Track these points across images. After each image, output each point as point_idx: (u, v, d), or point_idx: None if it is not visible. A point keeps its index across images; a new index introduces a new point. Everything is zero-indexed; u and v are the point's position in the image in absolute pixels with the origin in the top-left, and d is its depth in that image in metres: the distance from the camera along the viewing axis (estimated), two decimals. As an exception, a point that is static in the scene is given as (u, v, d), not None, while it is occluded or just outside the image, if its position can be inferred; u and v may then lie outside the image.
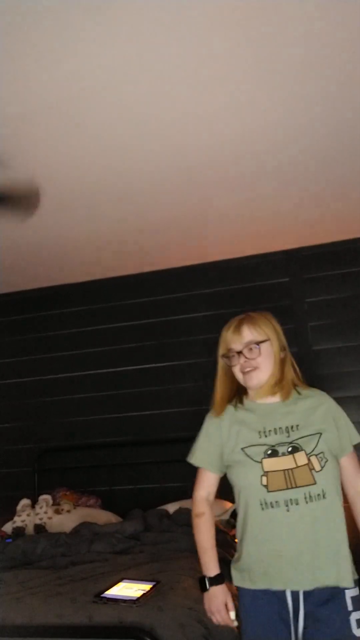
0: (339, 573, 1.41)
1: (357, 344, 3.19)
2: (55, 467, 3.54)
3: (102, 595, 1.77)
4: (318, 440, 1.49)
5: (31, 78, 1.68)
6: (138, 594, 1.77)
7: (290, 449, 1.48)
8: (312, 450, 1.47)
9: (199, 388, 3.30)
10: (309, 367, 3.18)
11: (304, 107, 1.93)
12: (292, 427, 1.52)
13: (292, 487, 1.43)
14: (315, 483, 1.43)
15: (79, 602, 1.75)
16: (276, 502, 1.43)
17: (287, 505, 1.42)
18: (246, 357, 1.55)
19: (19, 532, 2.92)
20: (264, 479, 1.45)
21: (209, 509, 1.60)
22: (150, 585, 1.83)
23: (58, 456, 3.56)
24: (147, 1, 1.40)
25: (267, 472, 1.46)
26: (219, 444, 1.58)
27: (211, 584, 1.52)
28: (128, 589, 1.82)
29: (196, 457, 1.62)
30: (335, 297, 3.28)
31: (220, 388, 1.64)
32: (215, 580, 1.52)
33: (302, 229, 3.10)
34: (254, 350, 1.55)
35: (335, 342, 3.22)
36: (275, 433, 1.51)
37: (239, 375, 1.58)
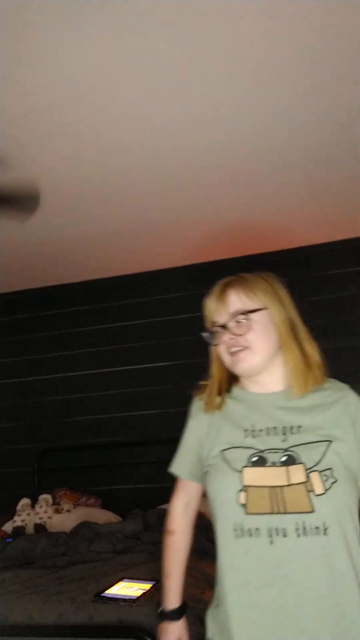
0: None
1: (357, 344, 3.19)
2: (55, 467, 3.54)
3: (102, 594, 1.77)
4: (325, 451, 1.06)
5: (31, 79, 1.68)
6: (138, 593, 1.77)
7: (284, 459, 1.07)
8: (315, 465, 1.05)
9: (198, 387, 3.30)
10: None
11: (304, 108, 1.93)
12: (291, 427, 1.11)
13: (278, 512, 1.03)
14: (312, 511, 1.02)
15: (79, 602, 1.75)
16: (256, 529, 1.04)
17: (270, 536, 1.02)
18: (233, 333, 1.14)
19: (19, 531, 2.92)
20: (242, 495, 1.06)
21: (185, 526, 1.27)
22: (150, 585, 1.83)
23: (58, 456, 3.56)
24: (147, 2, 1.40)
25: (248, 486, 1.06)
26: (198, 443, 1.23)
27: (164, 618, 1.23)
28: (128, 589, 1.82)
29: (175, 462, 1.30)
30: (335, 297, 3.28)
31: (216, 374, 1.24)
32: (171, 615, 1.23)
33: (302, 229, 3.11)
34: (242, 322, 1.14)
35: (335, 342, 3.22)
36: (267, 434, 1.11)
37: (226, 358, 1.17)
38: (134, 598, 1.73)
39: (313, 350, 1.20)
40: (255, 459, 1.09)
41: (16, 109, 1.82)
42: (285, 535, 1.02)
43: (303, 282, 3.35)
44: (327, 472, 1.04)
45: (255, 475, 1.07)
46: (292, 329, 1.19)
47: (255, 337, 1.14)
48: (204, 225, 2.96)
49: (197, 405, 1.26)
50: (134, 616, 1.63)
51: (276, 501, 1.04)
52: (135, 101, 1.83)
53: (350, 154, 2.27)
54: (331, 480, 1.04)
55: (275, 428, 1.12)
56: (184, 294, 3.53)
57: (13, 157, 2.09)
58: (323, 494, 1.03)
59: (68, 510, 3.05)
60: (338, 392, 1.18)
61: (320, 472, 1.04)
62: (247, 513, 1.05)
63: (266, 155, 2.24)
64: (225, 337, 1.16)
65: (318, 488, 1.03)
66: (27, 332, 3.85)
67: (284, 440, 1.10)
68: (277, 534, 1.03)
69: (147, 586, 1.83)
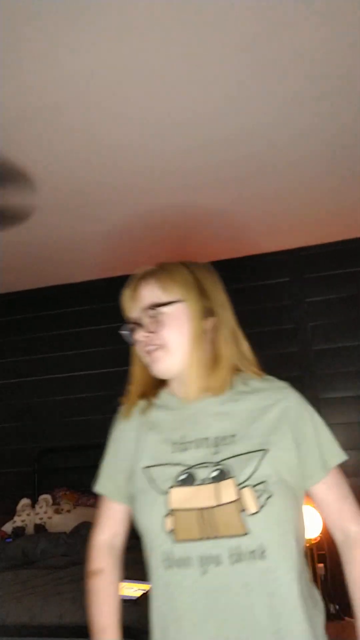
0: None
1: (357, 344, 3.18)
2: (55, 467, 3.54)
3: (102, 595, 1.77)
4: (259, 462, 0.93)
5: (28, 79, 1.68)
6: (138, 593, 1.77)
7: (214, 474, 0.93)
8: (247, 479, 0.91)
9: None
10: (309, 367, 3.18)
11: (304, 108, 1.93)
12: (224, 437, 0.97)
13: (210, 538, 0.89)
14: (246, 533, 0.89)
15: (79, 602, 1.75)
16: (187, 558, 0.90)
17: (202, 566, 0.89)
18: (147, 330, 1.02)
19: (19, 531, 2.92)
20: (169, 520, 0.92)
21: (114, 563, 1.07)
22: (150, 585, 1.83)
23: (58, 456, 3.56)
24: (146, 2, 1.40)
25: (175, 510, 0.92)
26: (126, 459, 1.05)
27: None
28: (128, 589, 1.82)
29: (99, 480, 1.10)
30: (335, 297, 3.28)
31: (136, 376, 1.10)
32: None
33: (302, 228, 3.10)
34: (154, 318, 1.01)
35: (335, 342, 3.22)
36: (198, 446, 0.97)
37: (143, 357, 1.04)
38: (134, 598, 1.73)
39: (227, 349, 1.04)
40: (183, 477, 0.94)
41: (15, 110, 1.82)
42: (218, 564, 0.89)
43: (303, 282, 3.35)
44: (261, 487, 0.91)
45: (183, 496, 0.92)
46: (214, 324, 1.04)
47: (169, 334, 1.00)
48: (204, 225, 2.96)
49: (121, 417, 1.13)
50: (134, 616, 1.63)
51: (205, 525, 0.90)
52: (134, 101, 1.82)
53: (350, 154, 2.27)
54: (265, 495, 0.90)
55: (206, 439, 0.97)
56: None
57: (14, 157, 2.09)
58: (257, 512, 0.89)
59: (68, 511, 3.05)
60: (276, 393, 1.02)
61: (254, 486, 0.91)
62: (176, 541, 0.91)
63: (266, 155, 2.24)
64: (140, 334, 1.02)
65: (251, 506, 0.90)
66: (27, 332, 3.85)
67: (215, 453, 0.95)
68: (210, 563, 0.89)
69: (147, 586, 1.82)
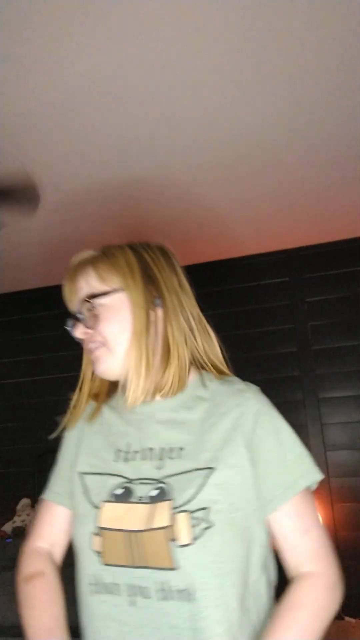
0: None
1: (357, 344, 3.19)
2: (55, 467, 3.54)
3: (102, 595, 1.77)
4: (202, 484, 0.76)
5: (30, 78, 1.67)
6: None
7: (154, 493, 0.78)
8: (186, 503, 0.75)
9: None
10: (309, 367, 3.18)
11: (304, 108, 1.93)
12: (171, 449, 0.81)
13: (138, 566, 0.75)
14: (173, 568, 0.73)
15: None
16: (115, 584, 0.77)
17: (130, 596, 0.76)
18: (85, 326, 0.89)
19: (18, 532, 2.92)
20: (97, 540, 0.79)
21: (53, 568, 0.91)
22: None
23: (58, 456, 3.56)
24: (146, 0, 1.40)
25: (104, 529, 0.78)
26: (69, 461, 0.97)
27: None
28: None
29: (49, 486, 1.02)
30: (335, 297, 3.28)
31: (87, 374, 1.00)
32: None
33: (302, 228, 3.10)
34: (91, 311, 0.87)
35: (335, 342, 3.22)
36: (143, 457, 0.83)
37: (89, 356, 0.95)
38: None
39: (179, 344, 0.86)
40: (119, 491, 0.80)
41: (16, 109, 1.82)
42: (146, 597, 0.74)
43: (302, 282, 3.35)
44: (200, 514, 0.74)
45: (113, 514, 0.78)
46: (164, 314, 0.87)
47: (108, 329, 0.86)
48: (204, 225, 2.96)
49: (69, 415, 1.01)
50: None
51: (131, 550, 0.75)
52: (135, 100, 1.82)
53: (350, 153, 2.27)
54: (203, 525, 0.74)
55: (152, 450, 0.83)
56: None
57: (14, 156, 2.09)
58: (189, 544, 0.73)
59: (68, 511, 3.05)
60: (233, 398, 0.84)
61: (192, 512, 0.74)
62: (105, 564, 0.77)
63: (266, 154, 2.24)
64: (79, 331, 0.90)
65: (182, 536, 0.73)
66: (27, 332, 3.85)
67: (159, 468, 0.80)
68: (137, 594, 0.75)
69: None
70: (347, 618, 2.65)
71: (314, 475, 0.83)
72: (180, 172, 2.34)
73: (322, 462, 2.94)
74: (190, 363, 0.89)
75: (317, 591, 0.77)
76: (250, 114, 1.95)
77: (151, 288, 0.87)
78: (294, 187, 2.55)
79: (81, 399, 0.97)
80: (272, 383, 3.19)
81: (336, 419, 3.07)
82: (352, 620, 2.63)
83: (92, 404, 0.97)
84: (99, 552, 0.78)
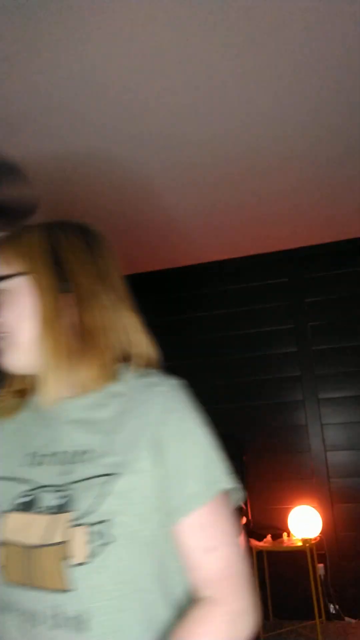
0: None
1: (357, 344, 3.18)
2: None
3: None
4: (103, 492, 0.67)
5: (30, 77, 1.68)
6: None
7: (60, 502, 0.69)
8: (84, 515, 0.66)
9: (197, 387, 3.30)
10: (309, 367, 3.18)
11: (304, 107, 1.93)
12: (83, 453, 0.72)
13: (32, 587, 0.66)
14: (66, 590, 0.64)
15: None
16: (14, 604, 0.68)
17: (22, 621, 0.66)
18: None
19: (18, 532, 2.92)
20: (2, 552, 0.70)
21: None
22: None
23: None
24: (147, 2, 1.40)
25: (5, 542, 0.69)
26: None
27: None
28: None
29: None
30: (335, 297, 3.28)
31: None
32: None
33: (302, 229, 3.10)
34: None
35: (335, 342, 3.22)
36: (52, 462, 0.74)
37: None
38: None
39: (98, 333, 0.76)
40: (24, 499, 0.71)
41: (16, 108, 1.82)
42: (36, 624, 0.64)
43: (303, 282, 3.36)
44: (100, 527, 0.64)
45: (15, 525, 0.69)
46: (80, 303, 0.76)
47: (11, 317, 0.76)
48: (204, 225, 2.96)
49: None
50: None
51: (30, 569, 0.66)
52: (136, 98, 1.82)
53: (350, 153, 2.27)
54: (101, 540, 0.64)
55: (64, 453, 0.74)
56: (184, 294, 3.54)
57: (12, 156, 2.09)
58: (84, 563, 0.63)
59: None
60: (141, 393, 0.75)
61: (91, 525, 0.65)
62: (6, 580, 0.68)
63: (265, 154, 2.24)
64: None
65: (76, 553, 0.64)
66: None
67: (67, 473, 0.71)
68: (27, 621, 0.65)
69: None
70: (347, 618, 2.65)
71: (221, 485, 0.71)
72: (179, 172, 2.34)
73: (322, 462, 2.93)
74: (112, 354, 0.78)
75: (213, 622, 0.66)
76: (250, 113, 1.95)
77: (59, 270, 0.76)
78: (294, 187, 2.55)
79: (7, 395, 0.85)
80: (272, 383, 3.19)
81: (336, 419, 3.07)
82: (352, 620, 2.63)
83: (17, 400, 0.86)
84: (3, 567, 0.69)
